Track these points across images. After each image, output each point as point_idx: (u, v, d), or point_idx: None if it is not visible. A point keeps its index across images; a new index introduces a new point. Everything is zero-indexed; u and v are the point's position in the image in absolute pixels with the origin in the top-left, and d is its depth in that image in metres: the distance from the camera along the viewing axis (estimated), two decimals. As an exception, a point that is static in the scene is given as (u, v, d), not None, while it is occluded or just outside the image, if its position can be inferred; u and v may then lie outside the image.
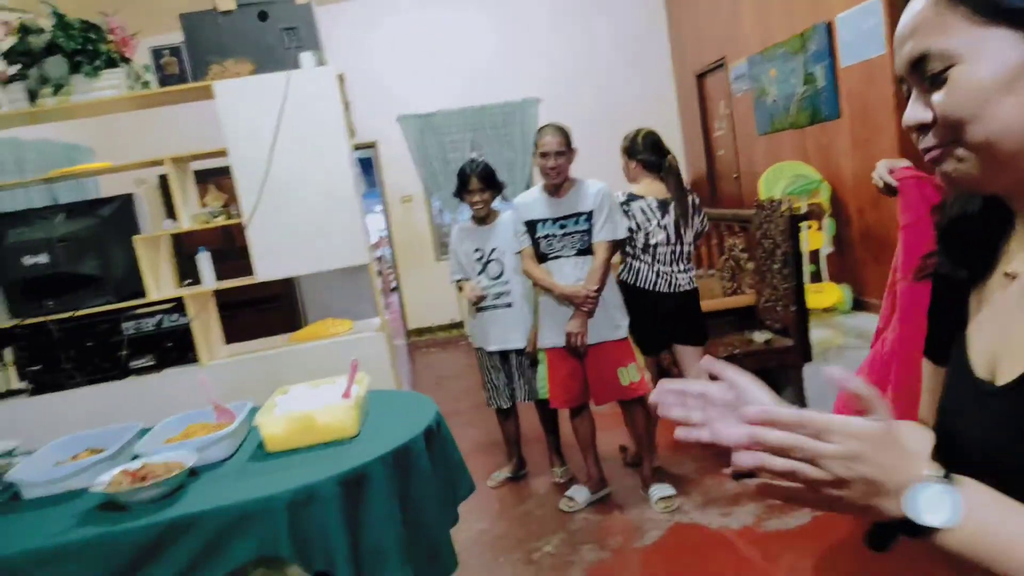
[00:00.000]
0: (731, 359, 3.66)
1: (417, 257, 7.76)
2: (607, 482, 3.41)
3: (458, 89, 7.43)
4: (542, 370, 3.31)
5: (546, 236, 3.16)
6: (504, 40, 7.55)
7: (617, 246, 3.18)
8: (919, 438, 0.80)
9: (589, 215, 3.11)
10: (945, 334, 0.79)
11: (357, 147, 7.56)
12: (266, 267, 3.19)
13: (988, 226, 0.76)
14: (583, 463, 3.39)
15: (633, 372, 3.18)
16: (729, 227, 5.05)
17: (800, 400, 3.79)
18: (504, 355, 3.52)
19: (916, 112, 0.69)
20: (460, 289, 3.63)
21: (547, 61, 7.56)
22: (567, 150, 3.10)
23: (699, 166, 7.72)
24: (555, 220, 3.15)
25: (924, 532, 0.61)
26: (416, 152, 7.47)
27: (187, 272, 3.42)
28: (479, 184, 3.39)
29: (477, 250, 3.47)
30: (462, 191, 3.45)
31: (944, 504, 0.60)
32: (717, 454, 3.69)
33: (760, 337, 3.79)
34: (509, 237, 3.36)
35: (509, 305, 3.44)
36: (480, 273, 3.49)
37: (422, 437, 1.95)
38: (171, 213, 3.27)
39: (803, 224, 4.36)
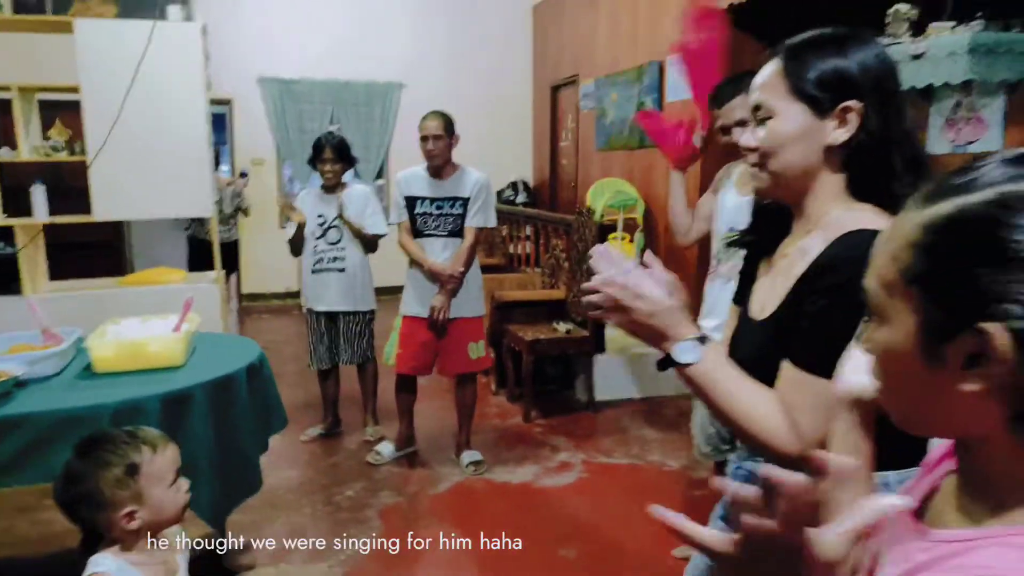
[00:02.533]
0: (536, 343, 4.19)
1: (259, 222, 7.73)
2: (415, 441, 3.77)
3: (324, 61, 7.52)
4: (394, 336, 3.57)
5: (423, 214, 3.42)
6: (375, 22, 7.72)
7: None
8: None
9: (466, 201, 3.41)
10: (745, 287, 1.24)
11: (212, 102, 7.45)
12: (106, 207, 3.27)
13: (781, 220, 1.18)
14: (397, 424, 3.72)
15: (481, 348, 3.57)
16: (555, 230, 5.59)
17: (589, 383, 4.37)
18: (332, 317, 3.80)
19: (748, 139, 1.11)
20: (290, 216, 3.71)
21: (415, 50, 7.83)
22: (446, 135, 3.35)
23: (544, 172, 8.31)
24: (433, 200, 3.41)
25: (680, 365, 1.03)
26: (273, 116, 7.47)
27: (16, 205, 3.40)
28: (332, 155, 3.64)
29: (320, 215, 3.71)
30: (315, 159, 3.69)
31: (693, 352, 1.02)
32: (518, 432, 4.20)
33: (563, 327, 4.34)
34: (354, 206, 3.65)
35: (342, 270, 3.72)
36: (319, 237, 3.73)
37: (244, 371, 2.22)
38: (8, 141, 3.26)
39: (614, 234, 4.98)
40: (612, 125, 6.35)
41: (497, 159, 7.91)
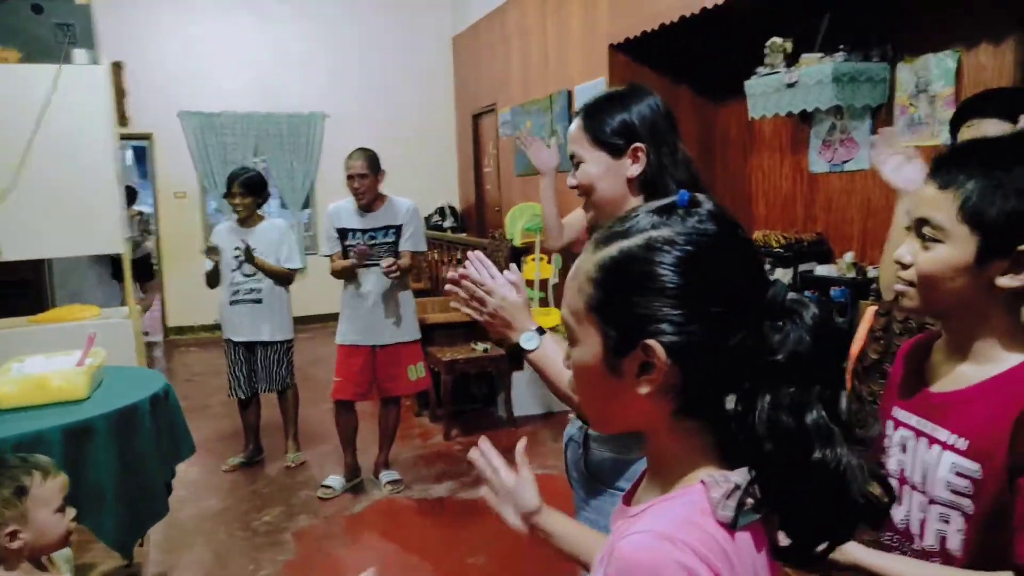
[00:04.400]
0: (454, 363, 4.34)
1: (184, 254, 7.68)
2: (360, 472, 3.79)
3: (245, 93, 7.59)
4: None
5: (356, 245, 3.53)
6: (296, 53, 7.84)
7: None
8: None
9: (398, 228, 3.55)
10: None
11: (130, 136, 7.41)
12: (16, 247, 3.29)
13: None
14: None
15: (421, 369, 3.69)
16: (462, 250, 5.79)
17: (508, 399, 4.55)
18: (250, 347, 3.88)
19: (571, 180, 1.39)
20: (211, 255, 3.79)
21: (336, 80, 7.96)
22: (371, 173, 3.46)
23: (470, 197, 8.51)
24: (365, 231, 3.53)
25: (524, 351, 1.25)
26: (196, 150, 7.49)
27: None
28: (240, 190, 3.75)
29: (236, 248, 3.80)
30: (227, 193, 3.81)
31: (533, 341, 1.26)
32: (439, 451, 4.33)
33: (480, 347, 4.51)
34: (268, 240, 3.78)
35: (259, 301, 3.81)
36: (235, 270, 3.82)
37: (148, 402, 2.31)
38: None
39: (532, 255, 5.18)
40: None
41: (424, 185, 8.08)
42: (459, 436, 4.41)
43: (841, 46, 3.85)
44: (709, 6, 3.86)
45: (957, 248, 0.97)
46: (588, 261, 0.74)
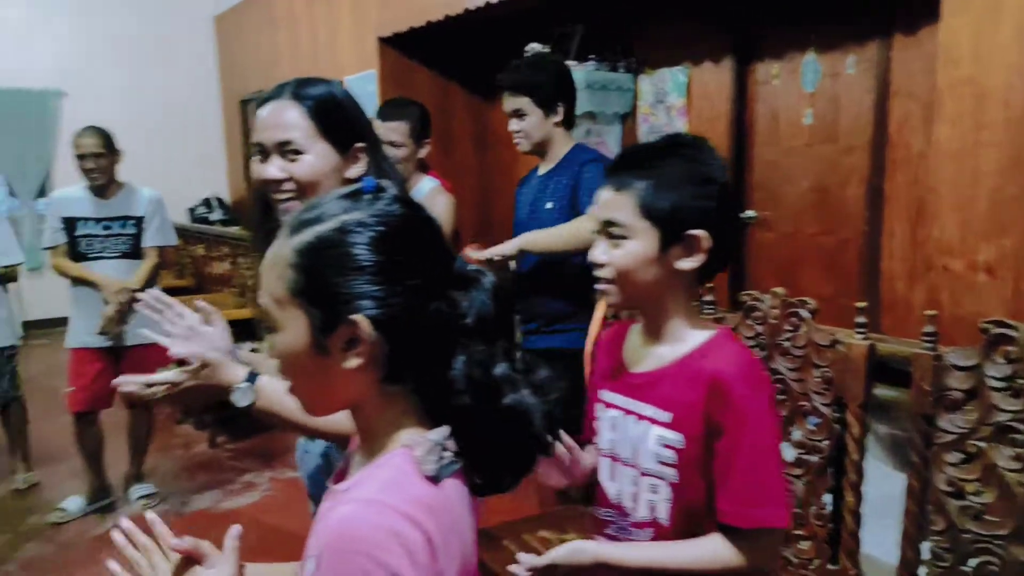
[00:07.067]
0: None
1: None
2: (112, 491, 3.42)
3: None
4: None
5: (87, 236, 3.15)
6: (24, 18, 6.87)
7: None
8: None
9: (139, 220, 3.21)
10: None
11: None
12: None
13: None
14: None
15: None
16: (245, 249, 5.47)
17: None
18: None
19: (275, 171, 1.22)
20: None
21: (76, 54, 7.10)
22: (107, 152, 3.12)
23: (240, 188, 8.03)
24: (99, 220, 3.16)
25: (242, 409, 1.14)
26: None
27: None
28: None
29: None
30: None
31: (247, 396, 1.14)
32: (203, 459, 4.05)
33: (247, 346, 4.27)
34: None
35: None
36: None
37: None
38: None
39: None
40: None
41: (187, 174, 7.50)
42: (227, 443, 4.16)
43: (591, 56, 4.17)
44: (472, 8, 3.98)
45: (642, 241, 1.08)
46: (284, 247, 0.77)
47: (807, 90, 3.51)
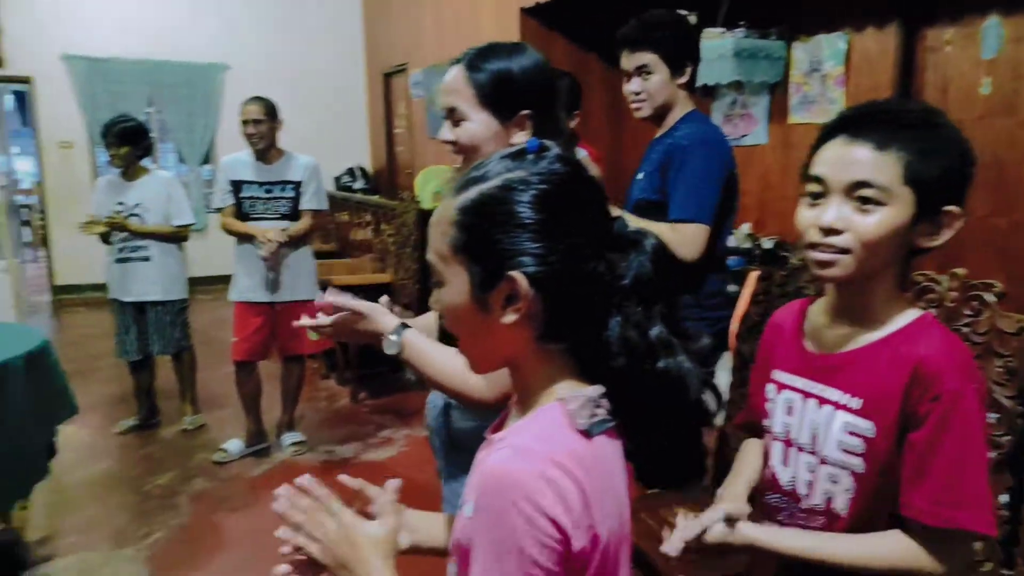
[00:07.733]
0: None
1: (73, 209, 7.22)
2: (267, 437, 3.69)
3: (137, 37, 7.14)
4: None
5: (250, 198, 3.40)
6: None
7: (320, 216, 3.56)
8: None
9: (297, 184, 3.44)
10: None
11: (6, 79, 6.87)
12: None
13: None
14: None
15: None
16: (386, 216, 5.70)
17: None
18: (140, 307, 3.70)
19: (447, 134, 1.29)
20: (88, 228, 3.61)
21: (238, 31, 7.60)
22: (268, 119, 3.35)
23: (381, 158, 8.35)
24: (261, 184, 3.41)
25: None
26: (83, 97, 7.01)
27: None
28: (114, 140, 3.54)
29: (120, 203, 3.60)
30: (104, 144, 3.59)
31: (394, 346, 1.17)
32: (345, 413, 4.29)
33: (386, 310, 4.47)
34: (154, 195, 3.59)
35: (147, 259, 3.63)
36: (120, 226, 3.63)
37: (21, 360, 2.18)
38: None
39: (439, 220, 5.16)
40: (441, 113, 6.51)
41: (333, 145, 7.87)
42: (367, 399, 4.38)
43: (741, 23, 3.97)
44: (616, -25, 3.88)
45: (899, 210, 0.96)
46: (449, 206, 0.79)
47: (986, 57, 3.18)
